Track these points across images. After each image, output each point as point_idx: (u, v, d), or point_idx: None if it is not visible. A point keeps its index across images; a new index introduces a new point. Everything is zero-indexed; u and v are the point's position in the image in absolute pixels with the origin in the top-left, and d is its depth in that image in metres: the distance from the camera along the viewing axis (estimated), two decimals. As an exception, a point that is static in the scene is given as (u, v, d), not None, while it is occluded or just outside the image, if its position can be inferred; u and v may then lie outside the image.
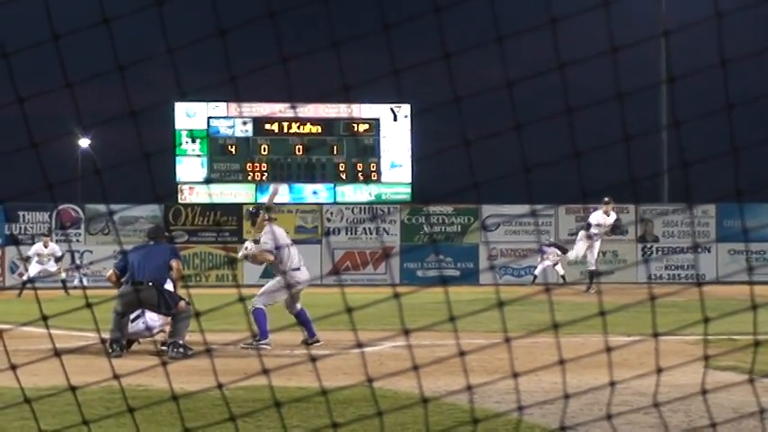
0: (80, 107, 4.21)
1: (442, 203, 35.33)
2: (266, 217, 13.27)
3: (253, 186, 35.99)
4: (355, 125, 37.08)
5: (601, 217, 24.27)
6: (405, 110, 37.38)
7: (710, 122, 4.23)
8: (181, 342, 11.74)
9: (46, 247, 28.03)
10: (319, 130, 36.90)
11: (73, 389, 4.68)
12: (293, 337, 12.75)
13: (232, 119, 36.75)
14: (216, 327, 13.47)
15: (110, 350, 11.57)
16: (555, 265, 31.81)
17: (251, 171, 36.51)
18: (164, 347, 11.91)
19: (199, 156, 36.78)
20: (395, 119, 37.39)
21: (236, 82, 3.97)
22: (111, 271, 12.66)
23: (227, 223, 34.42)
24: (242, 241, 19.55)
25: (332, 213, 35.27)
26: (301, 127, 36.96)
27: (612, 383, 4.36)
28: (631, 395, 7.87)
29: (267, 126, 36.70)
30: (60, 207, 33.97)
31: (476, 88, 4.12)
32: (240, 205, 33.00)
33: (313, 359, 6.56)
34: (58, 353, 4.50)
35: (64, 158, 53.71)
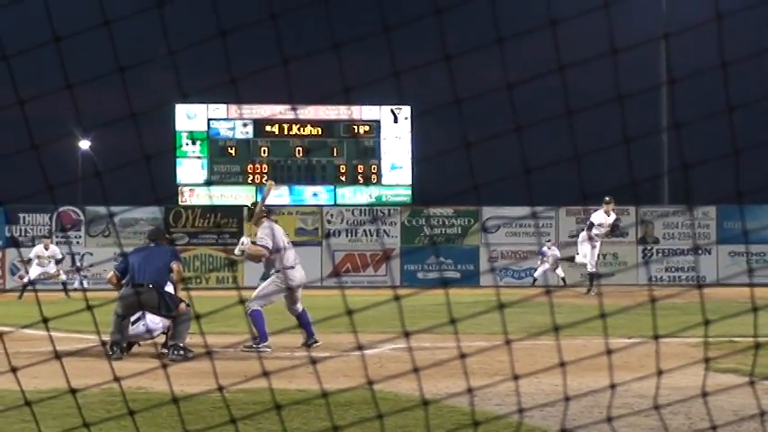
0: (80, 109, 4.20)
1: (442, 205, 35.35)
2: (265, 211, 13.24)
3: (253, 188, 35.99)
4: (356, 127, 37.10)
5: (602, 216, 24.31)
6: (405, 111, 37.41)
7: (711, 124, 4.23)
8: (181, 344, 11.73)
9: (47, 249, 28.04)
10: (320, 132, 36.93)
11: (73, 391, 4.68)
12: (293, 339, 12.74)
13: (232, 121, 36.77)
14: (216, 329, 13.46)
15: (110, 352, 11.56)
16: (555, 268, 31.82)
17: (251, 173, 36.53)
18: (164, 350, 11.91)
19: (199, 158, 36.82)
20: (395, 121, 37.41)
21: (236, 84, 3.96)
22: (111, 273, 12.65)
23: (227, 225, 34.42)
24: (242, 243, 19.53)
25: (332, 215, 35.27)
26: (302, 129, 36.98)
27: (613, 386, 4.35)
28: (632, 397, 7.86)
29: (267, 128, 36.73)
30: (61, 209, 33.98)
31: (476, 90, 4.12)
32: (241, 207, 33.03)
33: (313, 361, 6.56)
34: (58, 355, 4.49)
35: (64, 160, 53.71)
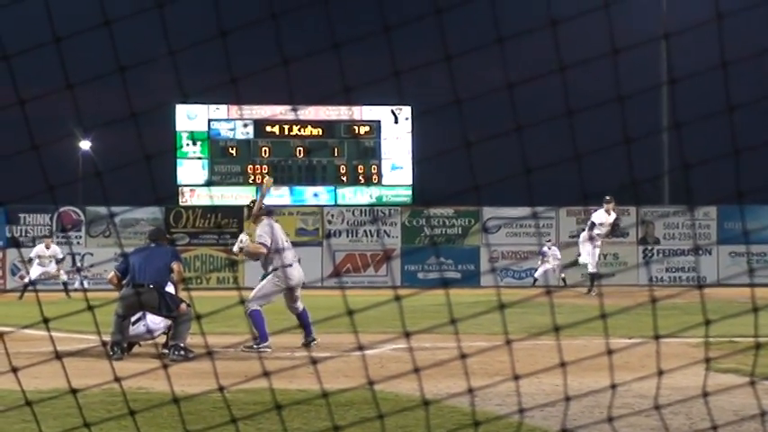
0: (81, 109, 4.21)
1: (442, 206, 35.35)
2: (264, 210, 13.22)
3: (254, 189, 35.98)
4: (356, 127, 37.10)
5: (603, 215, 24.35)
6: (406, 112, 37.42)
7: (711, 124, 4.23)
8: (182, 345, 11.73)
9: (48, 248, 28.04)
10: (320, 133, 36.93)
11: (74, 391, 4.68)
12: (294, 339, 12.74)
13: (233, 121, 36.77)
14: (217, 329, 13.46)
15: (111, 353, 11.57)
16: (555, 269, 31.81)
17: (252, 173, 36.53)
18: (165, 350, 11.91)
19: (200, 158, 36.82)
20: (396, 121, 37.41)
21: (237, 84, 3.96)
22: (112, 273, 12.65)
23: (227, 226, 34.42)
24: (243, 244, 19.51)
25: (333, 215, 35.27)
26: (302, 129, 36.99)
27: (614, 386, 4.35)
28: (632, 398, 7.86)
29: (268, 128, 36.73)
30: (61, 209, 33.99)
31: (477, 90, 4.12)
32: (241, 208, 33.03)
33: (314, 362, 6.56)
34: (59, 355, 4.49)
35: (65, 160, 53.74)
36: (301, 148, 36.83)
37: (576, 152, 4.03)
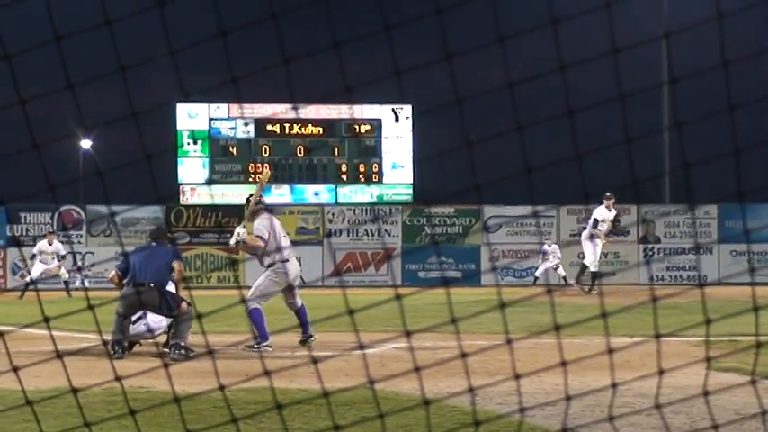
0: (82, 108, 4.21)
1: (443, 205, 35.34)
2: (264, 207, 13.19)
3: (254, 188, 35.99)
4: (357, 126, 37.10)
5: (604, 212, 24.39)
6: (406, 111, 37.41)
7: (712, 123, 4.23)
8: (182, 344, 11.73)
9: (50, 244, 28.02)
10: (321, 132, 36.92)
11: (75, 391, 4.68)
12: (294, 338, 12.75)
13: (234, 120, 36.77)
14: (217, 328, 13.47)
15: (111, 352, 11.57)
16: (556, 268, 31.81)
17: (253, 172, 36.53)
18: (165, 349, 11.91)
19: (200, 157, 36.82)
20: (396, 120, 37.40)
21: (237, 83, 3.96)
22: (113, 272, 12.66)
23: (228, 224, 34.42)
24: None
25: (333, 214, 35.27)
26: (303, 128, 36.97)
27: (614, 385, 4.35)
28: (633, 397, 7.86)
29: (269, 127, 36.73)
30: (62, 208, 33.99)
31: (477, 89, 4.12)
32: (242, 206, 33.02)
33: (314, 361, 6.56)
34: (59, 354, 4.50)
35: (65, 160, 53.75)
36: (302, 147, 36.82)
37: (576, 151, 4.03)
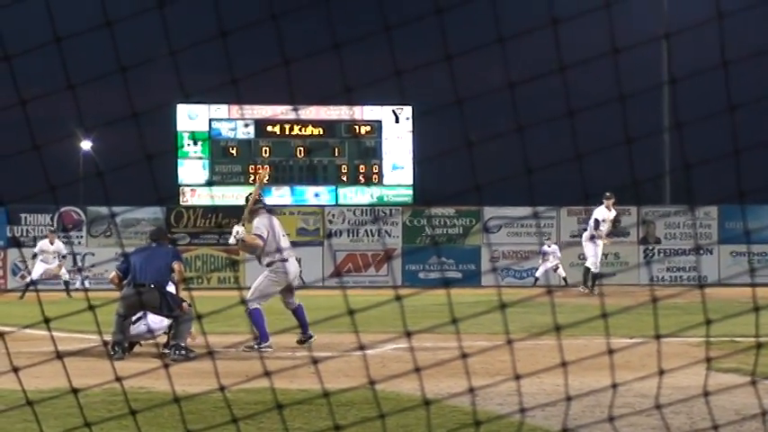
0: (82, 109, 4.21)
1: (443, 205, 35.35)
2: (263, 207, 13.18)
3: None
4: (357, 127, 37.10)
5: (604, 212, 24.40)
6: (407, 112, 37.41)
7: (712, 124, 4.23)
8: (183, 344, 11.74)
9: (52, 243, 28.01)
10: (321, 132, 36.93)
11: (75, 391, 4.68)
12: (294, 339, 12.74)
13: (234, 121, 36.78)
14: (218, 329, 13.46)
15: (112, 352, 11.57)
16: (556, 269, 31.81)
17: (253, 173, 36.53)
18: (166, 350, 11.92)
19: (201, 158, 36.83)
20: (397, 121, 37.41)
21: (238, 84, 3.96)
22: (113, 273, 12.66)
23: (228, 225, 34.42)
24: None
25: (334, 215, 35.28)
26: (303, 129, 36.99)
27: (614, 385, 4.35)
28: (633, 397, 7.86)
29: (269, 128, 36.74)
30: (62, 209, 33.99)
31: (478, 90, 4.12)
32: (242, 207, 33.01)
33: (315, 361, 6.57)
34: (60, 355, 4.49)
35: (66, 160, 53.74)
36: (302, 148, 36.83)
37: (577, 152, 4.03)
